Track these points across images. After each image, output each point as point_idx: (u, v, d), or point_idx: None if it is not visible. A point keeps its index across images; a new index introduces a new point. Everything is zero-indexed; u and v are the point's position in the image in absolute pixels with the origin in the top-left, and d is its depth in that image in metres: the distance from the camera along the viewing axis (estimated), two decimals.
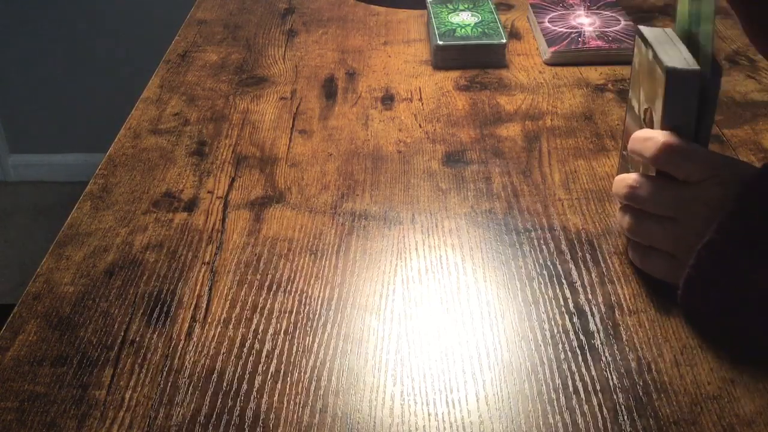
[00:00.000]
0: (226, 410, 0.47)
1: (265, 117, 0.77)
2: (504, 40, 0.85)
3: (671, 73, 0.49)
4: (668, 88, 0.50)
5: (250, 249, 0.60)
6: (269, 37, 0.93)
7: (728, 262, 0.48)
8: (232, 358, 0.51)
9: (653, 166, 0.52)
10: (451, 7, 0.92)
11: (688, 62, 0.49)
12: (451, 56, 0.85)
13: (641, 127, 0.55)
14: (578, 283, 0.56)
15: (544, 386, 0.48)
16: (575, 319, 0.53)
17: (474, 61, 0.85)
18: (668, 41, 0.52)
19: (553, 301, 0.54)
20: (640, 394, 0.47)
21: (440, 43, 0.84)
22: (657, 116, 0.52)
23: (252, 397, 0.48)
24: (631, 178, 0.53)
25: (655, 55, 0.51)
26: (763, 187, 0.47)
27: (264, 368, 0.50)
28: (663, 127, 0.51)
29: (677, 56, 0.50)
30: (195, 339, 0.52)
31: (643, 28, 0.54)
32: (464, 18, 0.90)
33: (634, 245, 0.55)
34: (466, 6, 0.92)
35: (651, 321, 0.52)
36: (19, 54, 2.11)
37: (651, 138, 0.51)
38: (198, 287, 0.56)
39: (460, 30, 0.87)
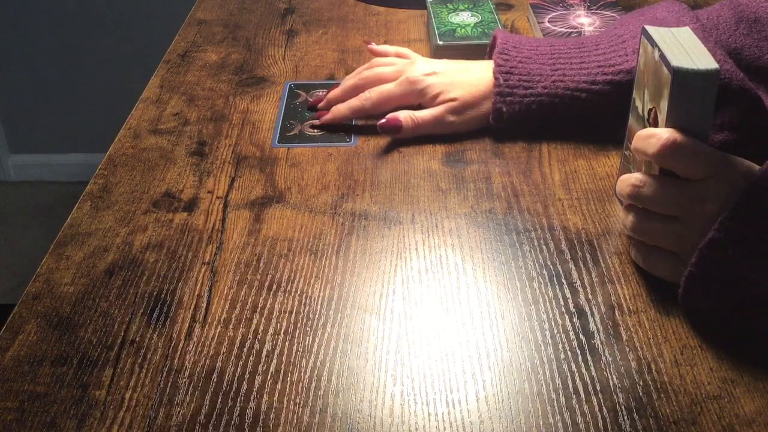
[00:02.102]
0: (226, 410, 0.47)
1: (265, 117, 0.77)
2: None
3: (678, 73, 0.49)
4: (674, 88, 0.50)
5: (250, 249, 0.60)
6: (269, 37, 0.93)
7: (730, 260, 0.48)
8: (232, 358, 0.51)
9: (656, 163, 0.52)
10: (451, 7, 0.92)
11: (694, 62, 0.49)
12: (451, 56, 0.84)
13: (644, 127, 0.55)
14: (578, 283, 0.56)
15: (544, 386, 0.48)
16: (575, 319, 0.53)
17: (474, 60, 0.85)
18: (674, 41, 0.52)
19: (553, 301, 0.54)
20: (640, 394, 0.47)
21: (440, 42, 0.85)
22: (662, 116, 0.52)
23: (252, 397, 0.48)
24: (634, 177, 0.53)
25: (662, 55, 0.51)
26: (766, 186, 0.47)
27: (264, 368, 0.50)
28: (668, 127, 0.51)
29: (684, 56, 0.50)
30: (195, 339, 0.52)
31: (649, 28, 0.54)
32: (464, 18, 0.90)
33: (638, 245, 0.55)
34: (466, 6, 0.92)
35: (651, 321, 0.52)
36: (19, 54, 2.11)
37: (654, 135, 0.51)
38: (198, 287, 0.56)
39: (460, 30, 0.87)
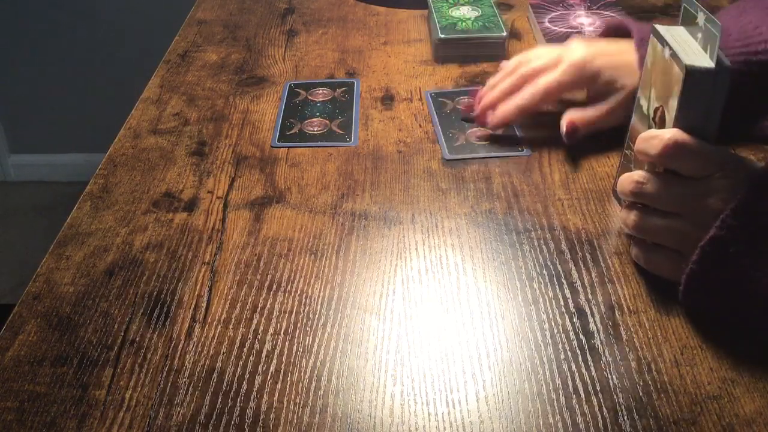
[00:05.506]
0: (226, 410, 0.47)
1: (265, 117, 0.77)
2: (504, 33, 0.85)
3: (690, 71, 0.49)
4: (686, 86, 0.50)
5: (250, 249, 0.60)
6: (269, 37, 0.93)
7: (731, 258, 0.48)
8: (232, 358, 0.51)
9: (659, 164, 0.52)
10: (451, 1, 0.93)
11: (707, 61, 0.49)
12: (453, 49, 0.85)
13: (649, 127, 0.55)
14: (578, 283, 0.56)
15: (544, 386, 0.48)
16: (575, 319, 0.53)
17: (475, 54, 0.86)
18: (685, 39, 0.52)
19: (553, 301, 0.54)
20: (640, 394, 0.47)
21: (442, 36, 0.85)
22: (670, 115, 0.52)
23: (252, 397, 0.48)
24: (637, 174, 0.53)
25: (673, 53, 0.51)
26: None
27: (264, 368, 0.50)
28: (676, 125, 0.51)
29: (695, 54, 0.50)
30: (195, 339, 0.52)
31: (659, 27, 0.54)
32: (465, 12, 0.90)
33: (639, 243, 0.55)
34: (466, 0, 0.93)
35: (651, 321, 0.52)
36: (19, 54, 2.11)
37: (656, 136, 0.51)
38: (198, 287, 0.56)
39: (461, 24, 0.88)
